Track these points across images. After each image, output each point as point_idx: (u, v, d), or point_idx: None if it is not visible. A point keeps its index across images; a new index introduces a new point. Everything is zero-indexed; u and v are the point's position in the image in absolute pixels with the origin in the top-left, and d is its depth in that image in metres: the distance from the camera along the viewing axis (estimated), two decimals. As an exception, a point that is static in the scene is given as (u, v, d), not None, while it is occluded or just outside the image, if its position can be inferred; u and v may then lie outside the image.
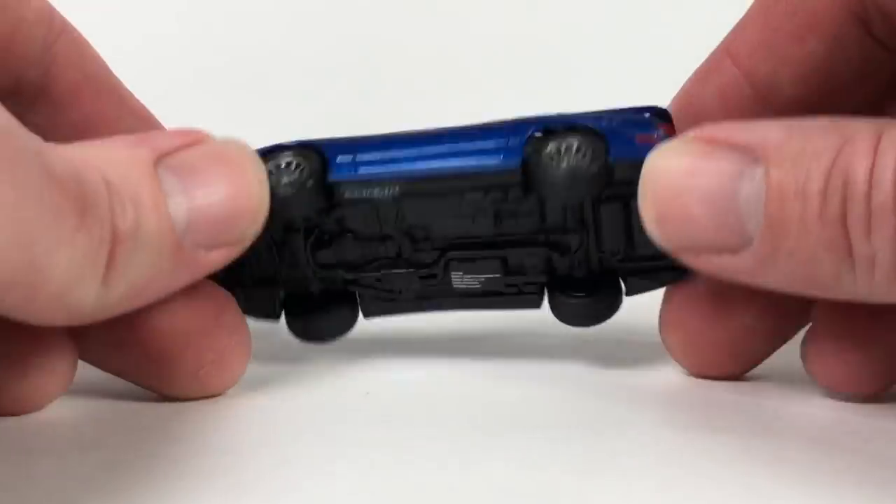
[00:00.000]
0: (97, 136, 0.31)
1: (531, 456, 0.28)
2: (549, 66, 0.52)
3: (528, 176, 0.30)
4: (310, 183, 0.31)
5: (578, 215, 0.31)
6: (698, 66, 0.34)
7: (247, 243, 0.30)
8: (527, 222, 0.31)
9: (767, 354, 0.33)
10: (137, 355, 0.30)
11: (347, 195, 0.31)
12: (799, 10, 0.31)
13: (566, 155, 0.30)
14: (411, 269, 0.32)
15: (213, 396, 0.32)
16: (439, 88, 0.51)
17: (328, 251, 0.32)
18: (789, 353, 0.32)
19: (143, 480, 0.26)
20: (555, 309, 0.33)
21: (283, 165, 0.31)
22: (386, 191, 0.31)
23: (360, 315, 0.34)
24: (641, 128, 0.30)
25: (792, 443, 0.28)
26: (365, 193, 0.31)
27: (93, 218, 0.25)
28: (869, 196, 0.25)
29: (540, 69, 0.52)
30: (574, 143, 0.30)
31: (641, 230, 0.29)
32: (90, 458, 0.27)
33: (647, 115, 0.32)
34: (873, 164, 0.25)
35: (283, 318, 0.35)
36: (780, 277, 0.27)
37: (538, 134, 0.30)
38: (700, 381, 0.33)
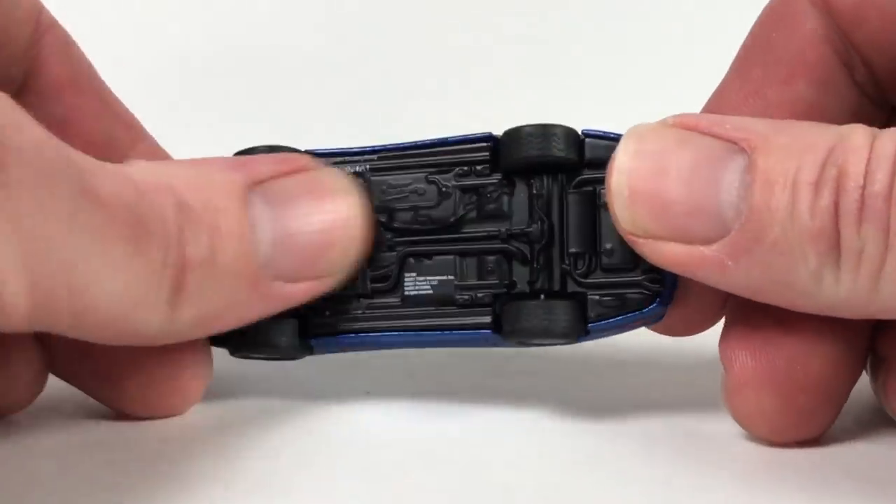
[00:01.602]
0: (75, 132, 0.31)
1: (531, 456, 0.28)
2: (548, 66, 0.52)
3: (496, 147, 0.30)
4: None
5: (545, 206, 0.30)
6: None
7: (338, 278, 0.29)
8: (491, 212, 0.30)
9: (849, 393, 0.29)
10: (90, 367, 0.30)
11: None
12: (782, 54, 0.30)
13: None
14: (367, 269, 0.30)
15: (165, 417, 0.30)
16: (437, 86, 0.51)
17: None
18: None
19: (142, 481, 0.26)
20: (507, 320, 0.30)
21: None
22: (357, 167, 0.31)
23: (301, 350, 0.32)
24: None
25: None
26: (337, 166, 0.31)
27: (153, 244, 0.25)
28: (864, 186, 0.24)
29: (539, 69, 0.52)
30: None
31: (608, 233, 0.29)
32: (90, 458, 0.27)
33: None
34: (869, 158, 0.25)
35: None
36: (752, 274, 0.26)
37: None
38: (696, 385, 0.33)
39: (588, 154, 0.30)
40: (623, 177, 0.27)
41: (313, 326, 0.31)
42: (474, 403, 0.32)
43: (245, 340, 0.30)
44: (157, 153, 0.34)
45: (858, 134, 0.25)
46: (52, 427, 0.30)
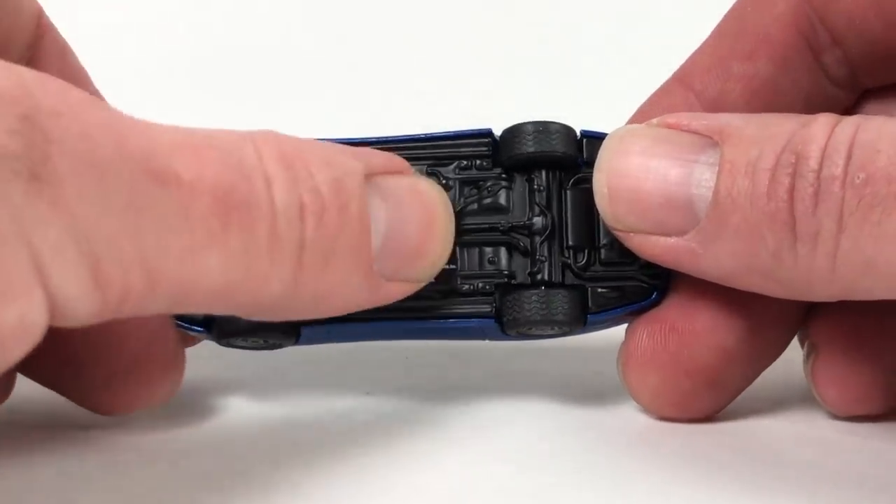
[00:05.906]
0: None
1: (529, 457, 0.28)
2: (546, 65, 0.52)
3: (497, 144, 0.31)
4: None
5: (545, 201, 0.30)
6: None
7: (424, 283, 0.29)
8: (490, 205, 0.31)
9: (745, 387, 0.31)
10: (52, 360, 0.28)
11: None
12: (751, 30, 0.31)
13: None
14: None
15: (134, 411, 0.29)
16: (438, 87, 0.51)
17: None
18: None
19: (141, 480, 0.26)
20: (508, 311, 0.30)
21: None
22: None
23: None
24: None
25: (788, 455, 0.29)
26: None
27: (245, 218, 0.24)
28: (819, 170, 0.25)
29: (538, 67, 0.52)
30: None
31: (606, 228, 0.29)
32: (90, 458, 0.28)
33: None
34: (827, 144, 0.25)
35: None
36: (722, 259, 0.27)
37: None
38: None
39: (586, 153, 0.30)
40: (603, 175, 0.28)
41: None
42: (474, 404, 0.32)
43: (231, 327, 0.29)
44: None
45: (820, 121, 0.26)
46: (53, 427, 0.30)
